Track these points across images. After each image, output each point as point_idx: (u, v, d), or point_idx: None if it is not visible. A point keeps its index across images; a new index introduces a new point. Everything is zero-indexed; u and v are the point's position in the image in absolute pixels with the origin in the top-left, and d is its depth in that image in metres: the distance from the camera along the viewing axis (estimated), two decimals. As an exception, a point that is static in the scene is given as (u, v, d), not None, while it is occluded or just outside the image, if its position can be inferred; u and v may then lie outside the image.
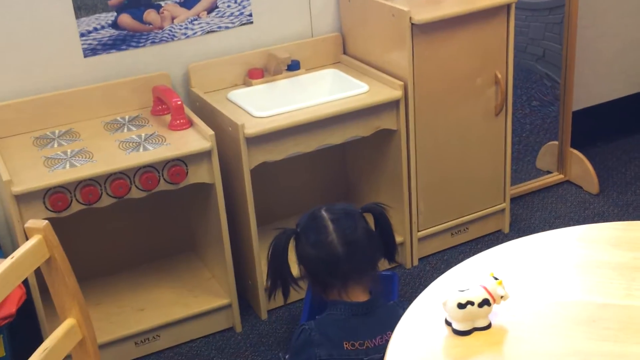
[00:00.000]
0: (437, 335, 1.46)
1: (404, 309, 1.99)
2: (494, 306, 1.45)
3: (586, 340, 1.41)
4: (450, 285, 1.51)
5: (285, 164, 2.74)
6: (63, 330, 1.70)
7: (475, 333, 1.44)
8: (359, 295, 2.06)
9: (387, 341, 1.92)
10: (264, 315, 2.71)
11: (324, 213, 2.09)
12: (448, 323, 1.47)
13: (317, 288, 2.13)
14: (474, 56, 2.79)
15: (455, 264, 1.68)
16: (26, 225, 1.65)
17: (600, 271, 1.61)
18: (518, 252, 1.71)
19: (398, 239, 2.90)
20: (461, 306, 1.43)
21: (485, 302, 1.43)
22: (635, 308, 1.49)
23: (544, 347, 1.41)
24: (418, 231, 2.92)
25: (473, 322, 1.44)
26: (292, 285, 2.17)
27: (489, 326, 1.45)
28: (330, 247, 2.03)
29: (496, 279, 1.46)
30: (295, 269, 2.19)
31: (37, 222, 1.65)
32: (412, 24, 2.61)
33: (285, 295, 2.18)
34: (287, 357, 2.13)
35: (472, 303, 1.43)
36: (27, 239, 1.66)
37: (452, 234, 3.02)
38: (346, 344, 1.97)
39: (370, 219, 2.19)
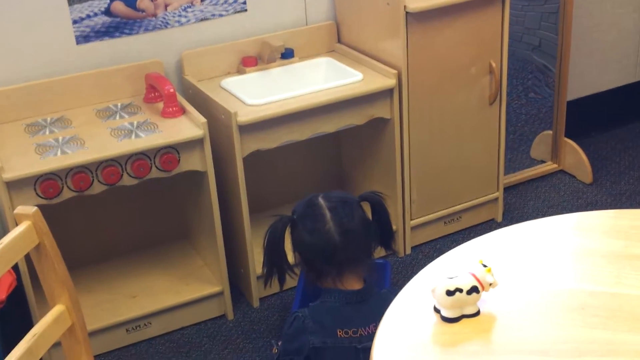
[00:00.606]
0: (426, 322, 1.46)
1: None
2: (483, 293, 1.45)
3: (575, 328, 1.41)
4: (440, 272, 1.51)
5: (279, 152, 2.73)
6: (52, 317, 1.70)
7: (464, 320, 1.44)
8: (353, 284, 2.06)
9: None
10: (256, 303, 2.71)
11: (321, 201, 2.09)
12: (437, 310, 1.47)
13: (311, 275, 2.13)
14: (468, 45, 2.78)
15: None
16: (15, 211, 1.65)
17: (591, 259, 1.61)
18: (509, 239, 1.71)
19: (391, 227, 2.90)
20: (450, 293, 1.43)
21: (473, 290, 1.43)
22: (624, 296, 1.49)
23: (533, 334, 1.41)
24: (411, 220, 2.92)
25: (461, 309, 1.44)
26: (288, 272, 2.17)
27: (477, 313, 1.45)
28: (328, 235, 2.03)
29: (485, 266, 1.46)
30: (291, 256, 2.19)
31: (26, 209, 1.65)
32: (407, 12, 2.60)
33: (282, 282, 2.18)
34: (279, 343, 2.13)
35: (460, 290, 1.43)
36: (17, 225, 1.66)
37: (445, 222, 3.01)
38: (340, 332, 1.98)
39: (367, 207, 2.18)
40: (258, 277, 2.67)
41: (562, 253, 1.65)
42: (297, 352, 2.01)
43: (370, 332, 1.97)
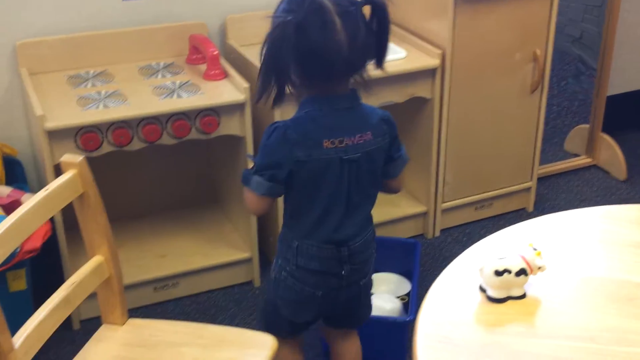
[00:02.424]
0: (471, 301, 1.45)
1: (386, 116, 1.84)
2: (530, 277, 1.44)
3: (622, 318, 1.40)
4: (487, 252, 1.50)
5: (316, 123, 2.71)
6: (90, 267, 1.71)
7: (510, 302, 1.44)
8: (339, 90, 1.81)
9: (365, 141, 1.77)
10: (283, 273, 2.71)
11: (327, 3, 1.74)
12: (483, 290, 1.46)
13: (299, 87, 1.81)
14: (514, 31, 2.75)
15: (477, 239, 1.67)
16: (62, 159, 1.65)
17: (634, 250, 1.60)
18: (551, 227, 1.70)
19: (422, 208, 2.90)
20: (498, 273, 1.42)
21: (522, 272, 1.42)
22: (673, 290, 1.47)
23: (579, 321, 1.40)
24: (443, 202, 2.90)
25: (508, 290, 1.43)
26: (289, 85, 1.80)
27: (523, 296, 1.44)
28: (337, 45, 1.72)
29: (535, 249, 1.45)
30: None
31: (73, 157, 1.65)
32: (456, -8, 2.58)
33: (279, 99, 1.77)
34: (255, 158, 1.81)
35: (509, 271, 1.42)
36: (55, 175, 1.65)
37: (476, 208, 3.00)
38: (326, 142, 1.76)
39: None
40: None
41: (602, 243, 1.63)
42: (278, 166, 1.75)
43: (356, 142, 1.78)
